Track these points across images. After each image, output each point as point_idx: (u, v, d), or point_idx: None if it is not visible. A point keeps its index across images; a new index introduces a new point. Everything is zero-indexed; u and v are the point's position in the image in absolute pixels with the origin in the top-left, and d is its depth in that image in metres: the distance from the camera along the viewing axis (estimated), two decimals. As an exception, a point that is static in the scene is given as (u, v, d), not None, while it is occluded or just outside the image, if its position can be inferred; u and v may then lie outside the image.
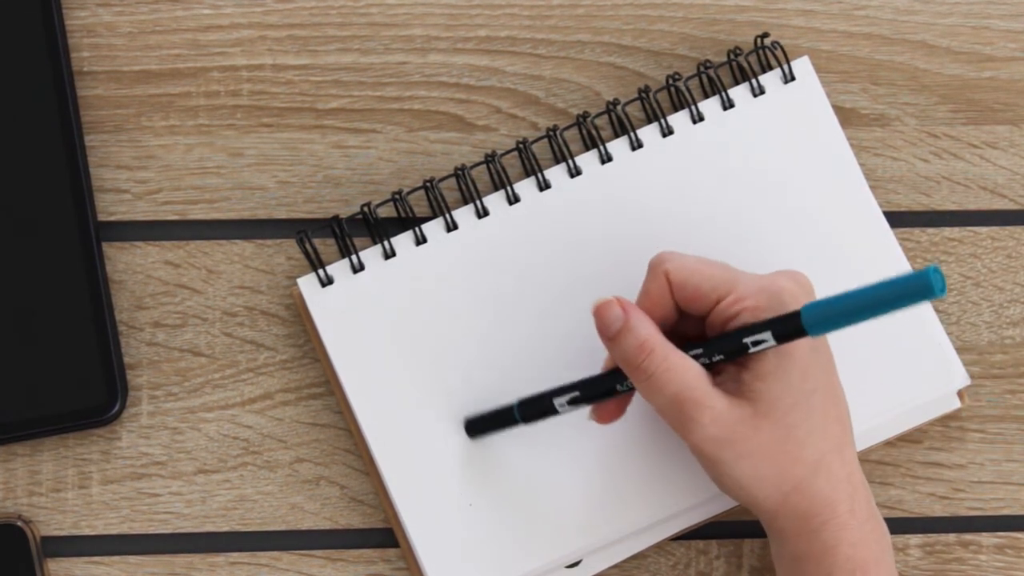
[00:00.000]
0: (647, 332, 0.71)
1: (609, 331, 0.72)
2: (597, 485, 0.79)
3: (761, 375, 0.71)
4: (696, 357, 0.71)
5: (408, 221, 0.80)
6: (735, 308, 0.72)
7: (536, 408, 0.76)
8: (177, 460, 0.81)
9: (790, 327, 0.69)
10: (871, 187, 0.81)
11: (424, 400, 0.79)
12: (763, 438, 0.71)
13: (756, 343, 0.70)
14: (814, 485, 0.72)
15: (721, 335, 0.72)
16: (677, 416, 0.71)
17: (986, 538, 0.81)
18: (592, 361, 0.79)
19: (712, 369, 0.72)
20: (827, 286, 0.73)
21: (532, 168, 0.80)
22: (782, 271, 0.73)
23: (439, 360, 0.79)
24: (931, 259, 0.82)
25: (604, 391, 0.74)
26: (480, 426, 0.78)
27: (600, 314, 0.72)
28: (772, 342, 0.69)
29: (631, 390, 0.74)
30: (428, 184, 0.80)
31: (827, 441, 0.72)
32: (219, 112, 0.82)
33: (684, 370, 0.71)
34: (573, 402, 0.75)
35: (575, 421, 0.78)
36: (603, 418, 0.76)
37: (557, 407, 0.75)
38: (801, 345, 0.71)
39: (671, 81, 0.80)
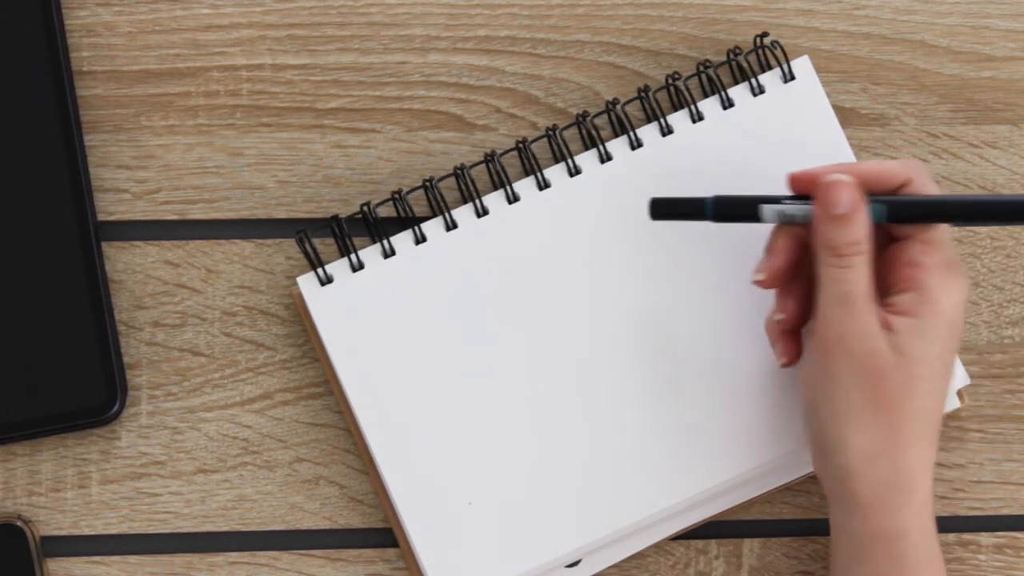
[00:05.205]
0: (865, 232, 0.71)
1: (833, 210, 0.71)
2: (596, 484, 0.79)
3: (911, 333, 0.72)
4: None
5: (407, 220, 0.80)
6: (920, 254, 0.73)
7: (735, 209, 0.74)
8: (176, 460, 0.81)
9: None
10: (871, 187, 0.81)
11: (424, 399, 0.79)
12: (882, 385, 0.72)
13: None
14: (902, 457, 0.72)
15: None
16: (832, 311, 0.72)
17: (985, 538, 0.81)
18: (592, 359, 0.79)
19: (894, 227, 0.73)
20: (827, 285, 0.73)
21: (532, 167, 0.80)
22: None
23: (439, 359, 0.79)
24: (931, 259, 0.82)
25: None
26: (665, 209, 0.77)
27: (833, 190, 0.71)
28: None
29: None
30: (427, 183, 0.80)
31: (928, 429, 0.73)
32: (219, 112, 0.82)
33: (870, 284, 0.71)
34: (780, 203, 0.73)
35: (575, 419, 0.79)
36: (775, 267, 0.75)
37: (763, 212, 0.74)
38: (946, 335, 0.72)
39: (671, 81, 0.80)
